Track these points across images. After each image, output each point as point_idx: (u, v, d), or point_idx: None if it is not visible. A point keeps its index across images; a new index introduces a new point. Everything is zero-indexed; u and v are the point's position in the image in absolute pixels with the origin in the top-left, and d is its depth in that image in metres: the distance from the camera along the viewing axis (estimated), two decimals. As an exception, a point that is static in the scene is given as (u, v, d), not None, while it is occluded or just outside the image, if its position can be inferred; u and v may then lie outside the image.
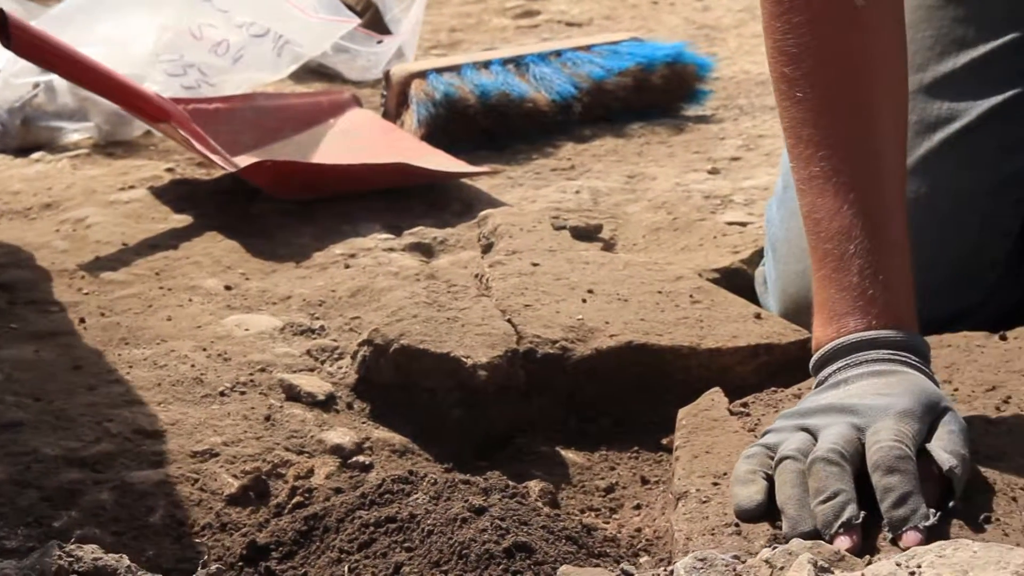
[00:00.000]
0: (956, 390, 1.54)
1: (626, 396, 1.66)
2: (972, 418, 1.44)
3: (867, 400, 1.30)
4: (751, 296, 1.87)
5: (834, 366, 1.37)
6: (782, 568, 1.01)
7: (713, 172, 2.42)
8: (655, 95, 2.75)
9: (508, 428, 1.63)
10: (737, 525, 1.26)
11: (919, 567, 0.98)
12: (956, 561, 0.99)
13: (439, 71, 2.57)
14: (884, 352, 1.36)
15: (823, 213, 1.41)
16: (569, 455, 1.61)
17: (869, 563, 1.06)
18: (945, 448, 1.26)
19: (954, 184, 1.76)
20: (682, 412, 1.50)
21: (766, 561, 1.02)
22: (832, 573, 0.99)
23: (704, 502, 1.31)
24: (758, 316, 1.74)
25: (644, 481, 1.57)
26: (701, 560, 1.03)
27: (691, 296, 1.77)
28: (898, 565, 0.99)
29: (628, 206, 2.23)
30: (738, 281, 1.91)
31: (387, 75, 2.60)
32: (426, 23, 3.53)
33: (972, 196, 1.77)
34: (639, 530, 1.46)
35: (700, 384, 1.60)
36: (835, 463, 1.24)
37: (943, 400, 1.32)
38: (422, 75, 2.56)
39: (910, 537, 1.19)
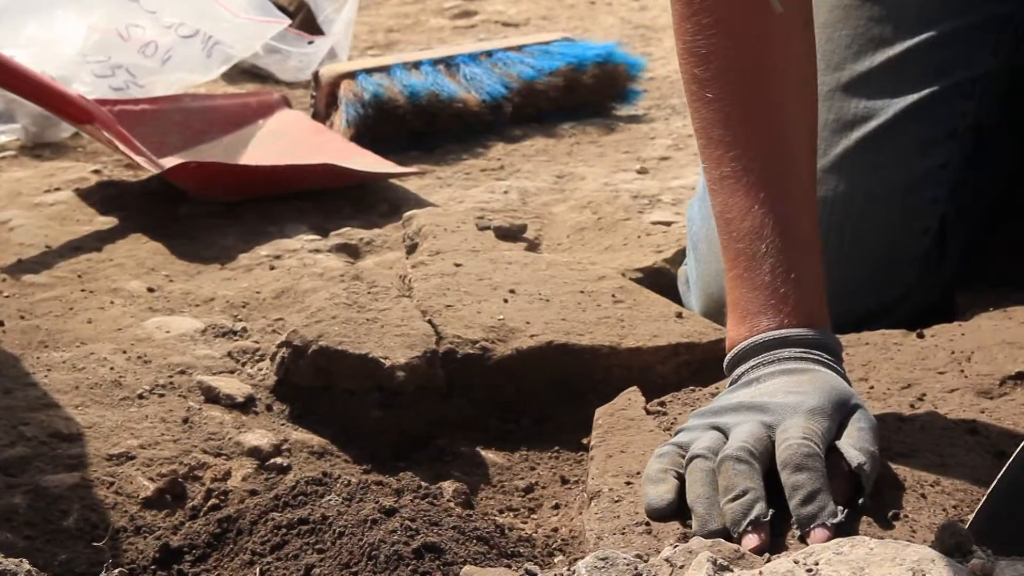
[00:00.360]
0: (872, 387, 1.55)
1: (547, 396, 1.66)
2: (886, 415, 1.45)
3: (777, 398, 1.30)
4: (674, 295, 1.88)
5: (747, 365, 1.38)
6: (682, 567, 1.01)
7: (642, 172, 2.43)
8: (586, 95, 2.75)
9: (428, 429, 1.63)
10: (648, 524, 1.26)
11: (816, 564, 0.99)
12: (853, 558, 0.99)
13: (369, 72, 2.57)
14: (796, 350, 1.36)
15: (734, 213, 1.41)
16: (489, 455, 1.61)
17: (769, 561, 1.06)
18: (854, 445, 1.27)
19: (872, 182, 1.77)
20: (599, 412, 1.51)
21: (667, 560, 1.03)
22: (731, 571, 0.99)
23: (616, 501, 1.31)
24: (679, 315, 1.74)
25: (564, 481, 1.57)
26: (603, 559, 1.03)
27: (613, 296, 1.77)
28: (796, 563, 0.99)
29: (555, 206, 2.23)
30: (661, 280, 1.92)
31: (316, 76, 2.60)
32: (363, 23, 3.53)
33: (890, 194, 1.78)
34: (556, 530, 1.46)
35: (621, 383, 1.60)
36: (744, 461, 1.24)
37: (853, 397, 1.33)
38: (351, 76, 2.55)
39: (818, 534, 1.19)
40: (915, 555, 0.98)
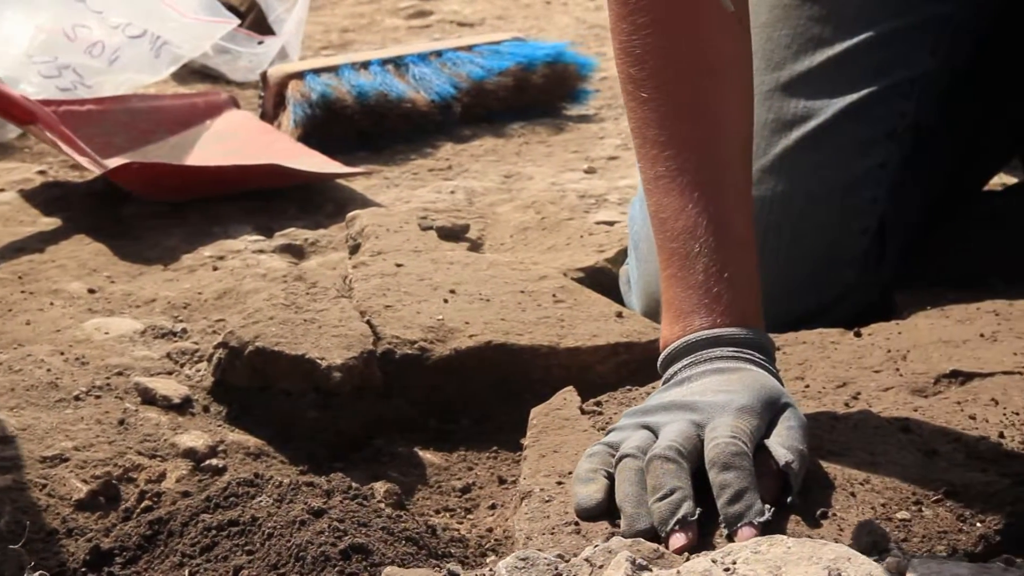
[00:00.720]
0: (808, 386, 1.56)
1: (486, 396, 1.66)
2: (819, 414, 1.46)
3: (707, 397, 1.31)
4: (616, 295, 1.88)
5: (679, 364, 1.38)
6: (601, 566, 1.02)
7: (590, 171, 2.43)
8: (536, 95, 2.76)
9: (366, 429, 1.62)
10: (577, 524, 1.26)
11: (734, 564, 0.99)
12: (770, 557, 0.99)
13: (317, 72, 2.57)
14: (728, 350, 1.37)
15: (669, 212, 1.41)
16: (427, 455, 1.61)
17: (688, 560, 1.06)
18: (783, 444, 1.27)
19: (811, 182, 1.78)
20: (534, 412, 1.51)
21: (587, 560, 1.03)
22: (650, 570, 0.99)
23: (547, 501, 1.31)
24: (619, 315, 1.74)
25: (501, 481, 1.57)
26: (523, 559, 1.03)
27: (554, 295, 1.77)
28: (714, 562, 0.99)
29: (501, 206, 2.23)
30: (603, 280, 1.92)
31: (264, 76, 2.59)
32: (318, 23, 3.52)
33: (829, 194, 1.78)
34: (491, 530, 1.46)
35: (560, 383, 1.60)
36: (672, 460, 1.24)
37: (783, 396, 1.33)
38: (299, 76, 2.55)
39: (745, 533, 1.20)
40: (832, 553, 0.98)
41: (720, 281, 1.39)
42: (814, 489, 1.30)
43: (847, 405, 1.50)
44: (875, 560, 1.00)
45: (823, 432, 1.41)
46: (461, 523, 1.50)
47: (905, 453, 1.39)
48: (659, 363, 1.41)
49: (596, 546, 1.06)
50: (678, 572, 0.98)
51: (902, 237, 1.87)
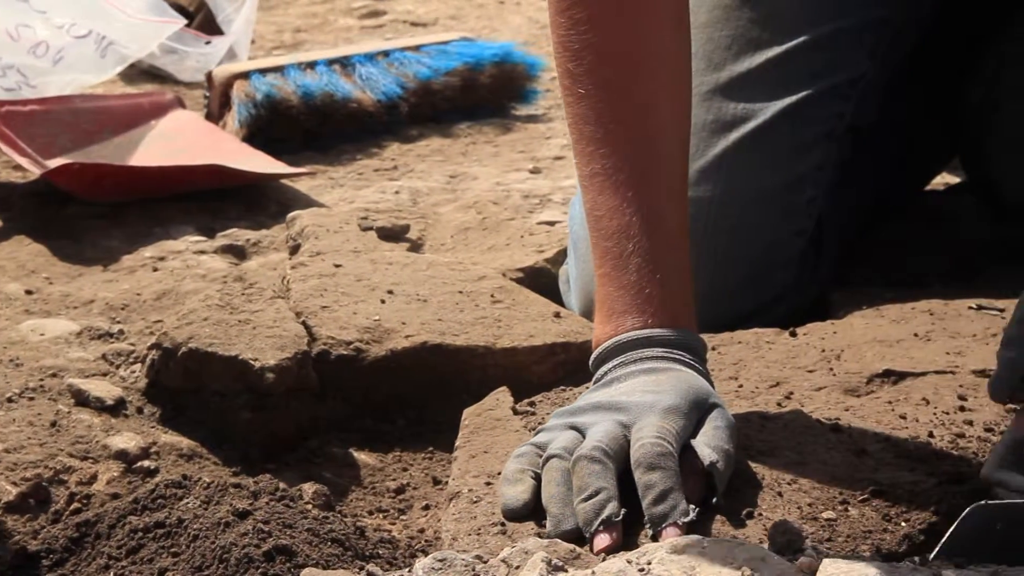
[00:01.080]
0: (741, 386, 1.56)
1: (422, 397, 1.66)
2: (750, 414, 1.46)
3: (635, 398, 1.31)
4: (555, 295, 1.88)
5: (610, 364, 1.38)
6: (518, 567, 1.01)
7: (535, 171, 2.44)
8: (484, 95, 2.76)
9: (300, 430, 1.62)
10: (503, 524, 1.26)
11: (649, 564, 0.99)
12: (685, 557, 1.00)
13: (262, 72, 2.56)
14: (658, 350, 1.37)
15: (604, 210, 1.41)
16: (362, 456, 1.60)
17: (604, 560, 1.07)
18: (709, 444, 1.28)
19: (749, 183, 1.78)
20: (467, 412, 1.51)
21: (504, 561, 1.03)
22: (566, 571, 0.99)
23: (475, 502, 1.31)
24: (557, 315, 1.74)
25: (436, 482, 1.57)
26: (440, 560, 1.03)
27: (492, 296, 1.77)
28: (629, 562, 0.99)
29: (444, 206, 2.23)
30: (542, 280, 1.92)
31: (209, 76, 2.58)
32: (271, 23, 3.51)
33: (766, 195, 1.79)
34: (422, 531, 1.46)
35: (497, 383, 1.60)
36: (598, 461, 1.24)
37: (712, 396, 1.33)
38: (244, 76, 2.54)
39: (669, 533, 1.20)
40: (746, 554, 0.99)
41: (653, 281, 1.39)
42: (741, 489, 1.31)
43: (779, 405, 1.51)
44: (789, 560, 1.00)
45: (753, 432, 1.42)
46: (393, 524, 1.49)
47: (834, 453, 1.39)
48: (591, 362, 1.41)
49: (513, 547, 1.06)
50: (593, 572, 0.98)
51: (840, 238, 1.88)
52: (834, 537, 1.24)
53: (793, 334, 1.68)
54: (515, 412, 1.50)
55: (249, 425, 1.59)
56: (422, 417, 1.65)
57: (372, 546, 1.33)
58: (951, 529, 1.13)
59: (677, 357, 1.36)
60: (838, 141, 1.83)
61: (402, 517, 1.51)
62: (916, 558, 1.08)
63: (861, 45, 1.85)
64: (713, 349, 1.65)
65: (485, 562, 1.04)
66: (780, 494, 1.31)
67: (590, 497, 1.22)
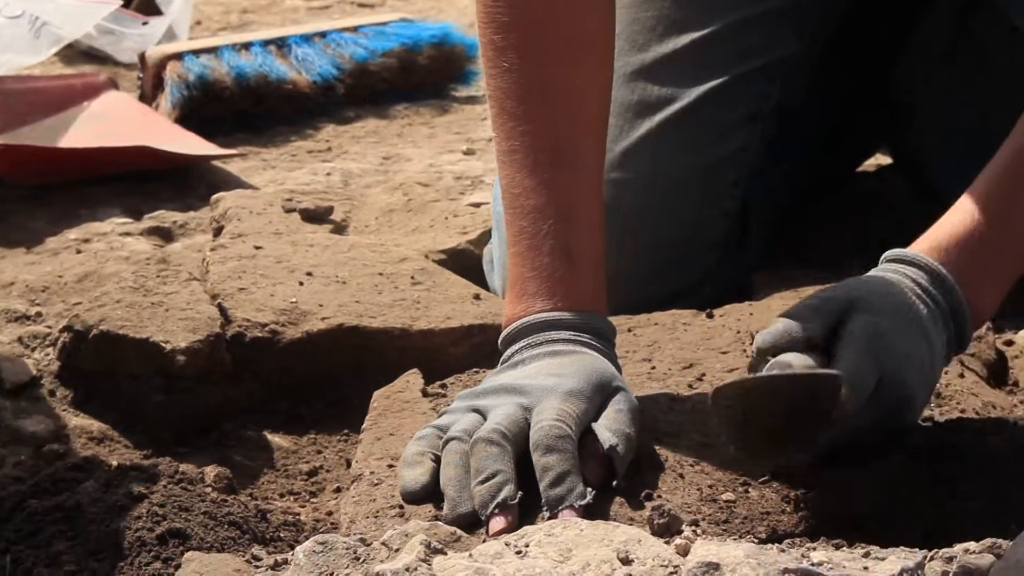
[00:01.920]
0: (654, 368, 1.56)
1: (339, 379, 1.65)
2: (659, 396, 1.46)
3: (537, 380, 1.30)
4: (479, 277, 1.88)
5: (517, 346, 1.37)
6: (397, 549, 1.01)
7: (468, 153, 2.43)
8: (422, 76, 2.75)
9: (214, 413, 1.61)
10: (402, 507, 1.26)
11: (527, 547, 0.99)
12: (563, 540, 0.99)
13: (196, 53, 2.55)
14: (565, 333, 1.36)
15: (520, 189, 1.40)
16: (276, 439, 1.60)
17: (484, 542, 1.06)
18: (609, 427, 1.27)
19: (673, 165, 1.78)
20: (376, 394, 1.50)
21: (384, 543, 1.02)
22: (444, 553, 0.99)
23: (375, 485, 1.30)
24: (477, 297, 1.74)
25: (349, 464, 1.55)
26: (322, 544, 1.02)
27: (412, 278, 1.77)
28: (507, 545, 0.99)
29: (375, 188, 2.22)
30: (464, 262, 1.92)
31: (142, 57, 2.57)
32: (218, 4, 3.50)
33: (690, 177, 1.79)
34: (330, 513, 1.46)
35: (413, 366, 1.58)
36: (495, 443, 1.24)
37: (615, 380, 1.33)
38: (177, 57, 2.53)
39: (566, 516, 1.19)
40: (623, 536, 0.98)
41: (565, 264, 1.38)
42: (644, 471, 1.30)
43: (690, 386, 1.50)
44: (666, 542, 1.00)
45: (660, 414, 1.41)
46: (303, 507, 1.49)
47: (740, 434, 1.39)
48: (499, 343, 1.40)
49: (394, 530, 1.05)
50: (470, 555, 0.97)
51: (766, 220, 1.88)
52: (731, 519, 1.24)
53: (710, 316, 1.67)
54: (425, 394, 1.49)
55: (160, 408, 1.58)
56: (338, 400, 1.65)
57: (274, 529, 1.33)
58: None
59: (584, 340, 1.36)
60: (763, 122, 1.83)
61: (313, 500, 1.51)
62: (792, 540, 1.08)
63: (788, 26, 1.84)
64: (629, 331, 1.65)
65: (368, 545, 1.04)
66: (682, 476, 1.30)
67: (486, 480, 1.22)
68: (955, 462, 1.33)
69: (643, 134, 1.79)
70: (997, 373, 1.66)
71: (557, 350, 1.34)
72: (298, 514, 1.46)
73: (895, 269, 1.35)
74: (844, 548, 1.02)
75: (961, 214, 1.37)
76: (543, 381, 1.30)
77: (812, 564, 0.91)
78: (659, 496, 1.26)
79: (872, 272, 1.37)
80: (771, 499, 1.28)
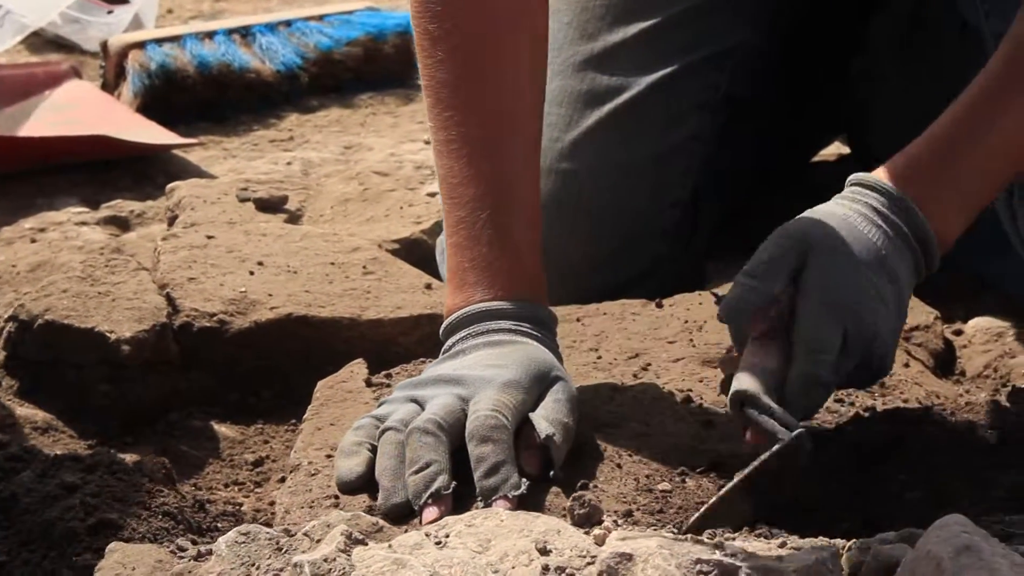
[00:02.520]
0: (600, 357, 1.56)
1: (288, 369, 1.65)
2: (602, 386, 1.46)
3: (475, 371, 1.30)
4: (432, 267, 1.88)
5: (457, 336, 1.37)
6: (319, 540, 1.01)
7: (430, 142, 2.42)
8: (388, 65, 2.74)
9: (162, 403, 1.61)
10: (337, 497, 1.26)
11: (447, 537, 0.99)
12: (482, 530, 0.99)
13: (159, 42, 2.54)
14: (505, 323, 1.36)
15: (458, 179, 1.40)
16: (223, 429, 1.60)
17: (405, 532, 1.06)
18: (546, 417, 1.27)
19: (622, 155, 1.78)
20: (320, 384, 1.50)
21: (306, 534, 1.02)
22: (365, 544, 0.98)
23: (312, 475, 1.30)
24: (428, 287, 1.74)
25: (295, 454, 1.56)
26: (244, 534, 1.02)
27: (364, 267, 1.76)
28: (427, 535, 0.99)
29: (334, 177, 2.22)
30: (418, 252, 1.91)
31: (105, 46, 2.56)
32: (190, -9, 3.49)
33: (640, 167, 1.78)
34: (273, 503, 1.45)
35: (363, 355, 1.59)
36: (431, 433, 1.23)
37: (554, 370, 1.33)
38: (140, 46, 2.52)
39: (500, 506, 1.19)
40: (543, 526, 0.98)
41: (504, 254, 1.38)
42: (582, 460, 1.31)
43: (635, 376, 1.51)
44: (585, 532, 1.00)
45: (601, 403, 1.41)
46: (247, 497, 1.49)
47: (681, 424, 1.39)
48: (440, 333, 1.40)
49: (316, 520, 1.05)
50: (390, 545, 0.97)
51: (717, 209, 1.88)
52: (666, 509, 1.24)
53: (660, 305, 1.67)
54: (369, 384, 1.49)
55: (106, 398, 1.58)
56: (287, 390, 1.64)
57: (211, 519, 1.33)
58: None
59: (524, 330, 1.36)
60: (713, 112, 1.83)
61: (257, 490, 1.50)
62: (708, 531, 1.08)
63: (741, 14, 1.84)
64: (578, 320, 1.65)
65: (292, 536, 1.03)
66: (619, 466, 1.30)
67: (420, 470, 1.22)
68: (894, 452, 1.34)
69: (593, 124, 1.78)
70: (944, 363, 1.67)
71: (496, 340, 1.34)
72: (240, 504, 1.46)
73: (853, 196, 1.34)
74: (762, 539, 1.02)
75: (923, 140, 1.36)
76: (481, 372, 1.30)
77: (726, 555, 0.91)
78: (595, 486, 1.26)
79: (833, 200, 1.36)
80: (708, 489, 1.28)
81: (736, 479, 1.20)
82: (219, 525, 1.32)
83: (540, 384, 1.31)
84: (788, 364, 1.28)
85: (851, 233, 1.31)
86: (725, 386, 1.32)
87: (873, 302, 1.29)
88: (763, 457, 1.20)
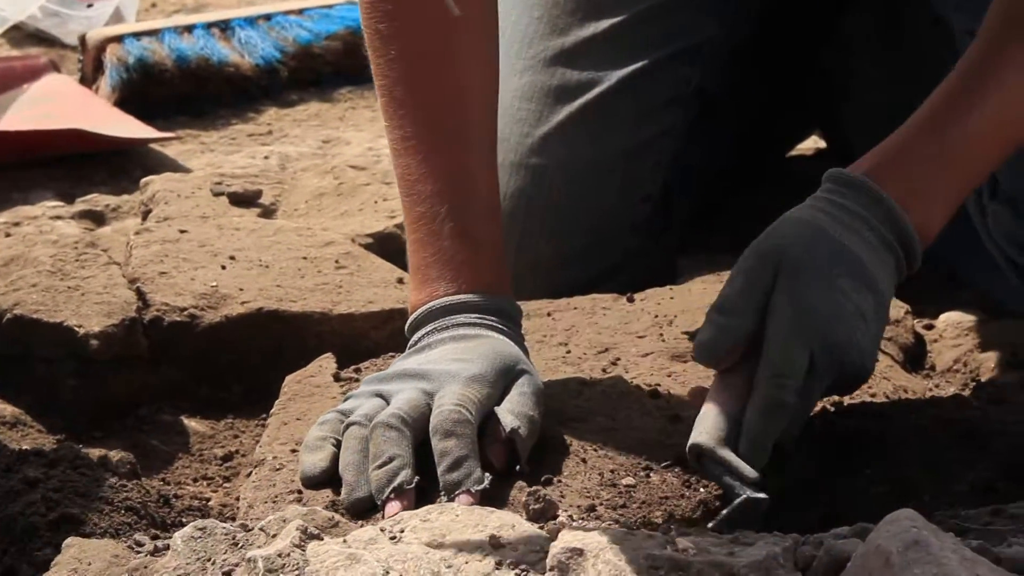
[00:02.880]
0: (569, 352, 1.56)
1: (258, 364, 1.65)
2: (571, 380, 1.46)
3: (440, 365, 1.30)
4: (405, 260, 1.87)
5: (423, 331, 1.37)
6: (275, 535, 1.01)
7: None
8: (367, 59, 2.73)
9: (132, 397, 1.61)
10: (300, 492, 1.25)
11: (402, 532, 0.99)
12: (437, 525, 0.99)
13: (137, 36, 2.53)
14: (470, 316, 1.36)
15: (416, 175, 1.40)
16: (193, 424, 1.59)
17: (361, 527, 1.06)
18: (512, 410, 1.27)
19: (592, 150, 1.78)
20: (288, 379, 1.50)
21: (262, 529, 1.02)
22: (320, 539, 0.99)
23: (277, 470, 1.30)
24: (401, 281, 1.74)
25: (264, 449, 1.56)
26: (200, 529, 1.02)
27: (336, 262, 1.76)
28: (382, 530, 0.99)
29: (309, 171, 2.22)
30: (392, 246, 1.91)
31: (83, 40, 2.55)
32: (174, -15, 3.48)
33: (610, 162, 1.78)
34: (239, 498, 1.45)
35: (335, 350, 1.59)
36: (394, 428, 1.23)
37: (520, 363, 1.33)
38: (118, 39, 2.51)
39: (463, 500, 1.19)
40: (497, 521, 0.98)
41: (465, 247, 1.38)
42: (547, 455, 1.30)
43: (604, 371, 1.51)
44: (540, 527, 1.00)
45: (569, 398, 1.41)
46: (215, 492, 1.49)
47: (648, 419, 1.39)
48: (406, 329, 1.40)
49: (273, 515, 1.05)
50: (345, 540, 0.97)
51: (689, 204, 1.88)
52: (628, 503, 1.24)
53: (631, 300, 1.67)
54: (337, 379, 1.49)
55: (75, 392, 1.58)
56: (257, 384, 1.64)
57: (176, 514, 1.33)
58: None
59: (489, 323, 1.36)
60: (684, 106, 1.82)
61: (226, 485, 1.50)
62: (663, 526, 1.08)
63: (709, 9, 1.84)
64: (548, 315, 1.65)
65: (249, 531, 1.03)
66: (584, 460, 1.30)
67: (383, 464, 1.22)
68: (859, 447, 1.34)
69: (563, 119, 1.78)
70: (914, 357, 1.67)
71: (461, 334, 1.34)
72: (208, 499, 1.46)
73: (829, 198, 1.31)
74: (713, 535, 1.02)
75: (903, 132, 1.34)
76: (446, 366, 1.30)
77: (677, 550, 0.91)
78: (559, 481, 1.27)
79: (808, 203, 1.34)
80: (672, 483, 1.28)
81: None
82: (184, 520, 1.32)
83: (505, 377, 1.31)
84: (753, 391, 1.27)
85: (827, 244, 1.28)
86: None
87: (851, 319, 1.26)
88: (723, 514, 1.20)
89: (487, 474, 1.22)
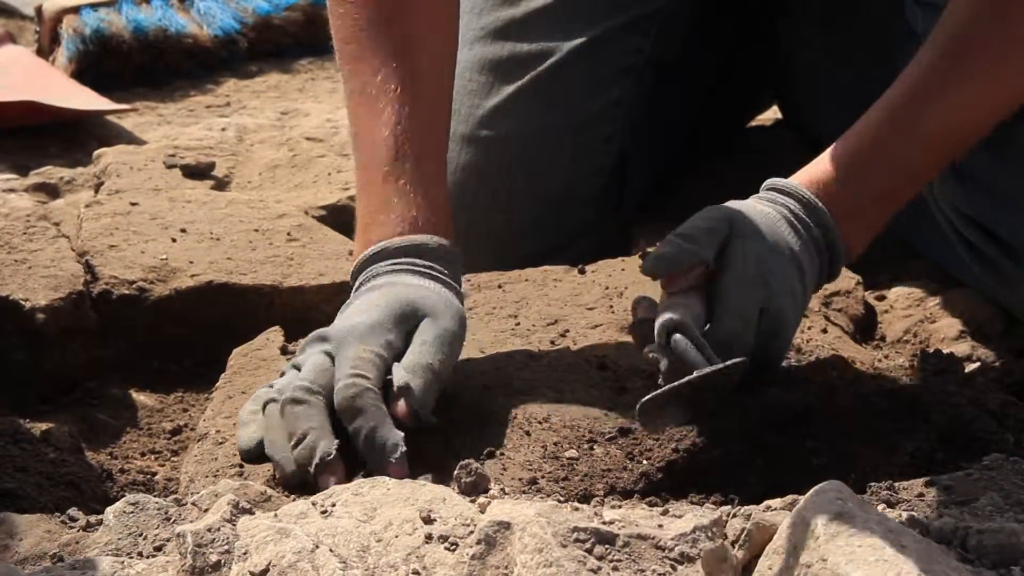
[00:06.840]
0: (519, 324, 1.55)
1: (210, 336, 1.64)
2: (517, 353, 1.46)
3: (341, 323, 1.28)
4: (357, 233, 1.86)
5: (355, 285, 1.36)
6: (207, 510, 1.01)
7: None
8: (328, 30, 2.71)
9: (81, 371, 1.60)
10: (242, 467, 1.25)
11: (333, 506, 0.98)
12: (369, 499, 0.99)
13: (94, 6, 2.52)
14: (386, 264, 1.34)
15: (365, 126, 1.39)
16: (142, 398, 1.59)
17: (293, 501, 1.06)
18: (406, 364, 1.25)
19: (544, 121, 1.77)
20: (234, 352, 1.49)
21: (194, 504, 1.02)
22: (252, 513, 0.98)
23: (219, 444, 1.30)
24: (352, 253, 1.73)
25: (214, 423, 1.55)
26: (133, 504, 1.02)
27: (289, 234, 1.76)
28: (313, 504, 0.99)
29: (266, 143, 2.20)
30: (345, 218, 1.90)
31: (39, 10, 2.54)
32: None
33: (562, 133, 1.78)
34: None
35: (285, 323, 1.58)
36: (301, 401, 1.21)
37: (421, 308, 1.29)
38: (75, 11, 2.50)
39: (393, 474, 1.16)
40: (428, 495, 0.98)
41: (400, 194, 1.36)
42: (491, 428, 1.30)
43: (553, 343, 1.50)
44: (471, 501, 1.00)
45: (515, 371, 1.41)
46: (163, 466, 1.48)
47: (594, 391, 1.39)
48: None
49: (205, 490, 1.05)
50: (275, 515, 0.97)
51: (644, 175, 1.87)
52: (571, 476, 1.24)
53: (582, 271, 1.67)
54: (284, 352, 1.48)
55: (22, 366, 1.57)
56: (208, 358, 1.63)
57: (119, 489, 1.32)
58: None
59: (406, 268, 1.33)
60: (637, 77, 1.82)
61: (173, 459, 1.50)
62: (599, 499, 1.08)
63: (664, -22, 1.83)
64: (499, 287, 1.65)
65: (182, 505, 1.03)
66: (528, 433, 1.30)
67: (299, 441, 1.20)
68: (804, 417, 1.34)
69: (514, 91, 1.77)
70: (865, 328, 1.67)
71: (374, 284, 1.32)
72: (155, 473, 1.45)
73: (771, 198, 1.37)
74: (645, 507, 1.02)
75: (839, 151, 1.39)
76: (347, 322, 1.28)
77: (604, 522, 0.91)
78: (502, 454, 1.26)
79: (753, 199, 1.38)
80: (615, 456, 1.28)
81: (669, 387, 1.24)
82: (126, 495, 1.31)
83: (406, 323, 1.28)
84: (711, 320, 1.30)
85: (770, 228, 1.34)
86: (637, 340, 1.33)
87: (787, 292, 1.32)
88: (705, 371, 1.23)
89: (401, 434, 1.19)
